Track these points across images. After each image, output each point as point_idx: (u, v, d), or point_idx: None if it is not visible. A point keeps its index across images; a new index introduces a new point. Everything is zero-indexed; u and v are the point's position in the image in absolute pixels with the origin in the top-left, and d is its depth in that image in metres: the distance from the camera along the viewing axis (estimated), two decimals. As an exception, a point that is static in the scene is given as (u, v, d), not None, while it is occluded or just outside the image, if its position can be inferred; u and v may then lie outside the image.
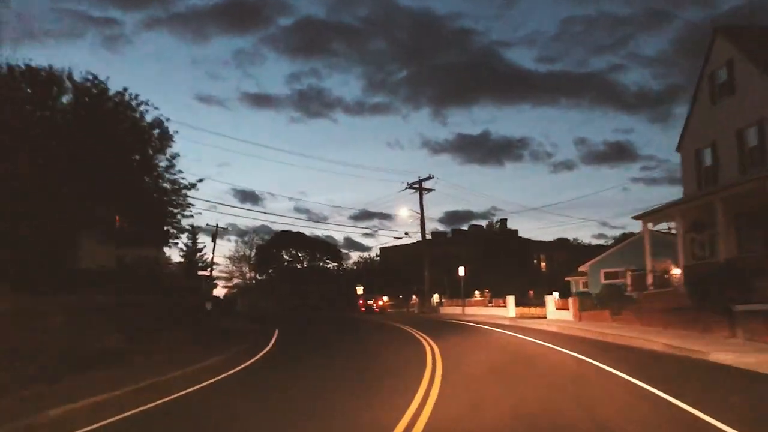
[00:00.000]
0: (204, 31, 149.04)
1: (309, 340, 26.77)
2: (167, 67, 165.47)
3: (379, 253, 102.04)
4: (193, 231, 71.95)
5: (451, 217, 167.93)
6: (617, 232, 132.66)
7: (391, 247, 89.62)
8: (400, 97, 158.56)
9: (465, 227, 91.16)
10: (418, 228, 47.15)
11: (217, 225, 65.97)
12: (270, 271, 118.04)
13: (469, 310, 38.53)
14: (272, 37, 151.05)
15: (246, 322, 40.03)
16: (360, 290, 61.28)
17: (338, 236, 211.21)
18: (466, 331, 27.61)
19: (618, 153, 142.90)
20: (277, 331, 30.28)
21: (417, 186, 47.06)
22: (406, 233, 46.28)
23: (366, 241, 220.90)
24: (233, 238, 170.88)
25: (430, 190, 47.74)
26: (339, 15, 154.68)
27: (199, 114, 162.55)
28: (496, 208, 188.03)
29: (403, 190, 47.77)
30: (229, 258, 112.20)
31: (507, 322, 31.49)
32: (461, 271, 40.96)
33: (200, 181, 35.71)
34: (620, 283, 33.41)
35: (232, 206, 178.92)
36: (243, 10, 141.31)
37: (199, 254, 73.50)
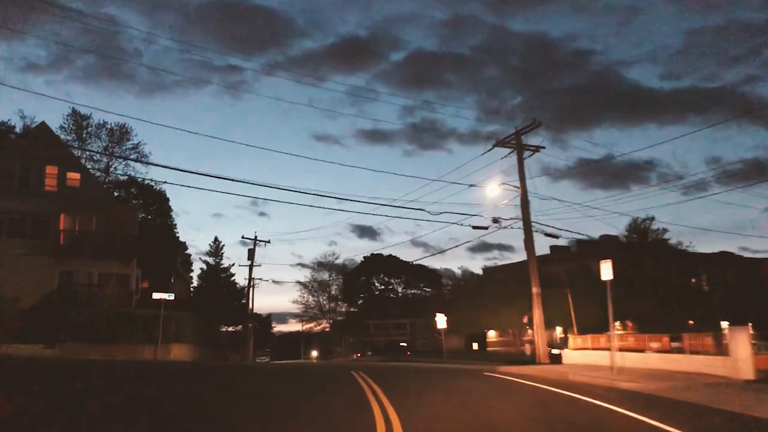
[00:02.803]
0: (319, 72, 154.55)
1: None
2: (286, 109, 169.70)
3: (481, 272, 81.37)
4: (217, 246, 56.89)
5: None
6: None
7: (497, 266, 69.96)
8: (516, 124, 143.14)
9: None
10: (513, 214, 27.99)
11: (256, 236, 49.98)
12: (359, 301, 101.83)
13: (634, 360, 18.36)
14: (385, 73, 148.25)
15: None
16: (442, 321, 42.22)
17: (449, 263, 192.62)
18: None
19: (758, 170, 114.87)
20: None
21: (513, 142, 27.96)
22: (496, 220, 27.00)
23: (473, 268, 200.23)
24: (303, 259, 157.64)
25: (534, 149, 28.46)
26: (450, 46, 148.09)
27: (317, 152, 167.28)
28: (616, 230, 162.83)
29: (489, 150, 28.69)
30: (304, 286, 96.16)
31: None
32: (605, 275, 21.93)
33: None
34: None
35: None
36: (356, 49, 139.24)
37: (224, 272, 57.51)
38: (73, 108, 44.82)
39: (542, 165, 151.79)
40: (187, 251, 64.23)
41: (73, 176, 34.31)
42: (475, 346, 69.40)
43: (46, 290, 30.20)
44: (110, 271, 32.74)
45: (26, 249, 31.09)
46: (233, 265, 63.93)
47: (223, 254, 58.67)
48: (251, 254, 49.89)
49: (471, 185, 28.12)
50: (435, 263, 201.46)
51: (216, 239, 60.11)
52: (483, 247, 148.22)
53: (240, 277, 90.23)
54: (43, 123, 34.00)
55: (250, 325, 77.72)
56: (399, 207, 39.75)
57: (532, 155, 28.65)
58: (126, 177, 46.24)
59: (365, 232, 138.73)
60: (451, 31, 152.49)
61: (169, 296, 27.71)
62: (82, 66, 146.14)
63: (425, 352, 75.80)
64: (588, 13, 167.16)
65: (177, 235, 49.45)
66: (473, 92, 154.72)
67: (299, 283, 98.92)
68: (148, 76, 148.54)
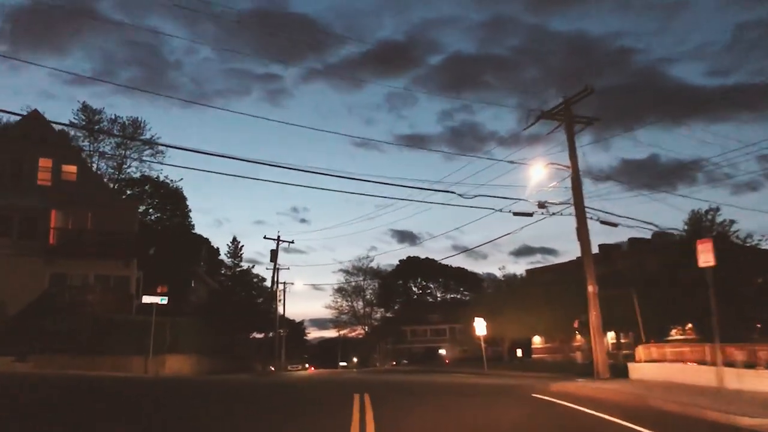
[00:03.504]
0: (357, 79, 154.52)
1: None
2: (325, 115, 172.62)
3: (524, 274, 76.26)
4: (236, 247, 53.34)
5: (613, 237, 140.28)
6: None
7: (541, 267, 65.02)
8: (551, 144, 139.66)
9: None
10: (562, 199, 23.45)
11: (278, 236, 46.24)
12: (396, 306, 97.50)
13: (745, 378, 13.69)
14: (423, 77, 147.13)
15: None
16: (481, 326, 37.46)
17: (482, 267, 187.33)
18: None
19: None
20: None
21: (561, 113, 23.46)
22: (542, 205, 22.46)
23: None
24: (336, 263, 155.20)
25: (586, 121, 23.87)
26: (489, 48, 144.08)
27: (356, 159, 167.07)
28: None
29: (533, 123, 24.20)
30: (338, 291, 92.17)
31: None
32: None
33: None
34: None
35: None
36: (393, 54, 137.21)
37: (246, 275, 53.80)
38: (84, 102, 41.85)
39: (584, 167, 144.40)
40: (220, 257, 61.25)
41: (69, 169, 31.12)
42: (519, 353, 64.33)
43: (35, 295, 26.97)
44: (107, 272, 29.44)
45: (14, 249, 28.00)
46: (252, 266, 60.36)
47: (242, 255, 55.24)
48: (274, 255, 46.21)
49: (510, 161, 23.66)
50: (476, 267, 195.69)
51: (234, 239, 56.69)
52: (526, 251, 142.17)
53: (277, 284, 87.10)
54: (35, 111, 30.90)
55: (280, 331, 74.37)
56: (427, 189, 35.54)
57: (583, 129, 24.09)
58: (139, 175, 43.23)
59: (405, 236, 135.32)
60: (490, 32, 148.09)
61: (161, 300, 24.07)
62: (127, 78, 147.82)
63: (465, 360, 71.12)
64: (630, 11, 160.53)
65: (200, 235, 46.07)
66: (513, 94, 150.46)
67: (333, 287, 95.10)
68: (190, 87, 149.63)
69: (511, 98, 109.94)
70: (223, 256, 59.69)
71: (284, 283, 66.38)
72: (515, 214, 22.59)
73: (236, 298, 40.04)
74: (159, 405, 12.11)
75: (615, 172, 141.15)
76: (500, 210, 22.91)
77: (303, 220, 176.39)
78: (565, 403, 12.51)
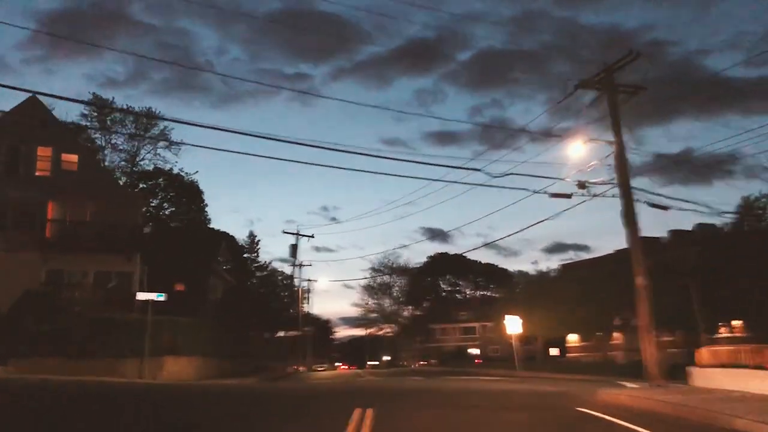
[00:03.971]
0: (386, 76, 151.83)
1: None
2: (354, 114, 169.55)
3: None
4: (252, 240, 51.24)
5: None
6: None
7: (576, 262, 61.78)
8: (588, 120, 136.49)
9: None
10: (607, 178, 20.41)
11: (298, 231, 44.02)
12: (425, 304, 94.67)
13: None
14: (452, 73, 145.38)
15: None
16: (514, 324, 34.28)
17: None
18: None
19: None
20: None
21: (602, 82, 20.47)
22: (583, 185, 19.55)
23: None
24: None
25: (632, 90, 20.86)
26: (518, 42, 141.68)
27: (386, 154, 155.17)
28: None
29: (570, 94, 21.30)
30: (366, 289, 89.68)
31: None
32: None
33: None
34: None
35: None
36: (422, 51, 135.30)
37: (261, 270, 51.45)
38: (94, 94, 40.13)
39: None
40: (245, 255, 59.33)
41: (70, 158, 29.17)
42: (553, 351, 60.97)
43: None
44: (108, 268, 27.41)
45: (9, 243, 26.13)
46: (270, 263, 58.14)
47: (259, 249, 53.11)
48: (293, 251, 44.04)
49: (546, 133, 20.86)
50: (507, 264, 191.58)
51: (251, 233, 54.43)
52: (558, 248, 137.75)
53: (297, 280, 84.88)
54: (33, 97, 28.99)
55: (305, 329, 72.24)
56: (451, 167, 32.74)
57: (629, 100, 21.15)
58: (153, 167, 41.38)
59: (435, 234, 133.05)
60: (519, 27, 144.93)
61: (158, 296, 21.84)
62: (159, 80, 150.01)
63: (496, 360, 68.09)
64: (663, 2, 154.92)
65: (218, 230, 43.95)
66: (544, 89, 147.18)
67: (360, 285, 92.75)
68: (220, 88, 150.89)
69: (542, 93, 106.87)
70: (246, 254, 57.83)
71: (308, 280, 64.52)
72: (552, 195, 19.76)
73: (253, 295, 37.83)
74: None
75: (648, 168, 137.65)
76: (536, 192, 20.09)
77: (333, 219, 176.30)
78: (626, 425, 9.71)
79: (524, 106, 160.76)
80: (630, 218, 19.61)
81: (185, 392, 15.95)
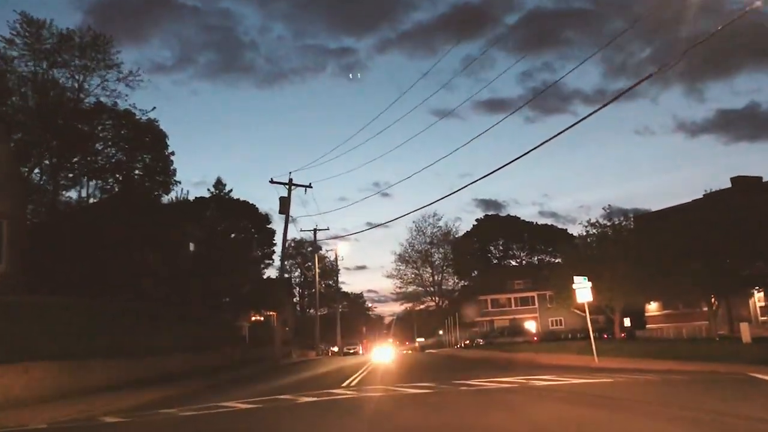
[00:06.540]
0: (432, 44, 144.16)
1: None
2: (401, 85, 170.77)
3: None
4: (220, 191, 41.21)
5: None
6: None
7: (654, 212, 49.70)
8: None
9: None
10: None
11: (290, 180, 33.87)
12: (473, 273, 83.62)
13: None
14: (500, 37, 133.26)
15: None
16: (584, 291, 23.39)
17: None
18: None
19: None
20: None
21: None
22: None
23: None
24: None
25: None
26: (569, 1, 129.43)
27: (436, 127, 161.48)
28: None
29: None
30: (400, 257, 79.29)
31: None
32: None
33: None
34: None
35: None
36: (468, 15, 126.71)
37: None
38: (23, 13, 30.55)
39: (677, 121, 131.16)
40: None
41: None
42: (627, 322, 48.98)
43: None
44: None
45: None
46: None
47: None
48: (284, 204, 33.92)
49: None
50: (565, 225, 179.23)
51: (219, 180, 43.97)
52: (618, 214, 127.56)
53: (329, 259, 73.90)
54: None
55: (337, 306, 62.79)
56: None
57: None
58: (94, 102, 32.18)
59: (489, 205, 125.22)
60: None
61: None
62: (205, 63, 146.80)
63: (559, 335, 57.13)
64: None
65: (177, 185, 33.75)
66: (597, 49, 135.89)
67: (395, 254, 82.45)
68: (266, 66, 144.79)
69: (595, 53, 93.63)
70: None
71: (331, 250, 54.30)
72: None
73: (221, 262, 27.98)
74: None
75: (710, 124, 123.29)
76: None
77: (385, 194, 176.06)
78: None
79: (577, 69, 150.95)
80: None
81: None
